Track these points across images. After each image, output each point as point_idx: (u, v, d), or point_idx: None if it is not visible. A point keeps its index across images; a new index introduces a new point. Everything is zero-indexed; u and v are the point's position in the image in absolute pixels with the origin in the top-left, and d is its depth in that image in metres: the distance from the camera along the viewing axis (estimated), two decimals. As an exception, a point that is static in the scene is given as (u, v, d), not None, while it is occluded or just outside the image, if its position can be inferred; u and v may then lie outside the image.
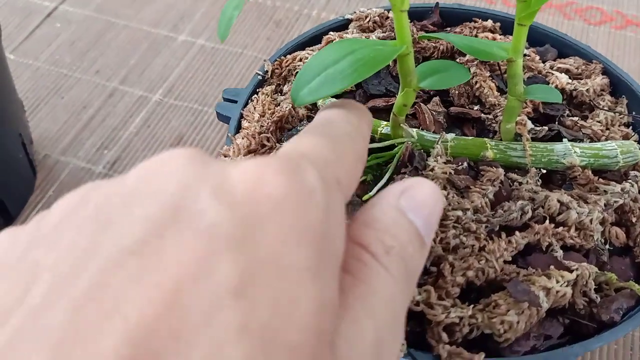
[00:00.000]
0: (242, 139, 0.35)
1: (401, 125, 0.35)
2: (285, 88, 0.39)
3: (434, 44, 0.40)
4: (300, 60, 0.39)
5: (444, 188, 0.32)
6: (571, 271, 0.29)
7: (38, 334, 0.14)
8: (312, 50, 0.41)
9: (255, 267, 0.15)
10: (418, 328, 0.29)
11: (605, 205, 0.32)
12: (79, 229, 0.16)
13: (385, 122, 0.36)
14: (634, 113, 0.38)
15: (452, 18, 0.43)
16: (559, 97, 0.33)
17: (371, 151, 0.36)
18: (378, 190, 0.33)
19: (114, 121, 0.61)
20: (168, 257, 0.14)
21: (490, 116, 0.37)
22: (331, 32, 0.41)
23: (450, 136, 0.35)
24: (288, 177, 0.17)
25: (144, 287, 0.14)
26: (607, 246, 0.32)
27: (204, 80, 0.65)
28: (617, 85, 0.39)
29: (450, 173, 0.33)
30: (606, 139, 0.36)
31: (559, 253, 0.30)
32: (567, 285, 0.29)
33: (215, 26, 0.70)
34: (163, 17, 0.72)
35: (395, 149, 0.35)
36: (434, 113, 0.37)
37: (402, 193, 0.21)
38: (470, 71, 0.32)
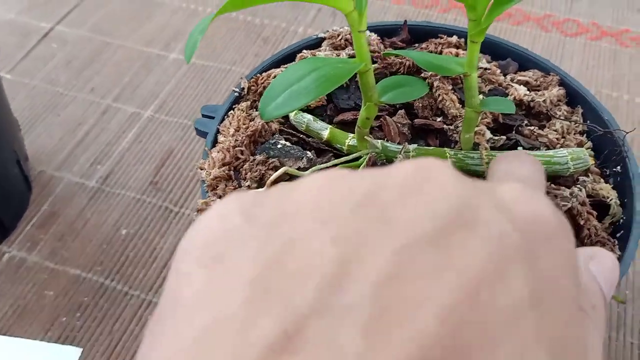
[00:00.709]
0: (218, 152, 0.37)
1: (366, 137, 0.37)
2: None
3: (400, 60, 0.42)
4: (275, 77, 0.42)
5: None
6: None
7: (341, 312, 0.14)
8: (286, 67, 0.43)
9: (541, 284, 0.16)
10: None
11: (554, 208, 0.34)
12: (356, 214, 0.16)
13: (352, 135, 0.39)
14: (588, 122, 0.40)
15: (420, 35, 0.46)
16: (512, 108, 0.36)
17: (338, 161, 0.38)
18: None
19: (107, 137, 0.64)
20: (463, 256, 0.15)
21: (452, 127, 0.40)
22: (304, 50, 0.44)
23: (412, 147, 0.37)
24: (553, 208, 0.18)
25: (447, 279, 0.15)
26: (557, 247, 0.34)
27: (194, 96, 0.68)
28: (573, 96, 0.42)
29: (411, 181, 0.35)
30: (561, 147, 0.39)
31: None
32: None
33: (205, 45, 0.73)
34: (156, 37, 0.75)
35: (360, 160, 0.37)
36: (399, 125, 0.40)
37: (591, 259, 0.23)
38: (429, 85, 0.35)
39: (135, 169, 0.61)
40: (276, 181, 0.35)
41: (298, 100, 0.31)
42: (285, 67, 0.43)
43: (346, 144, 0.38)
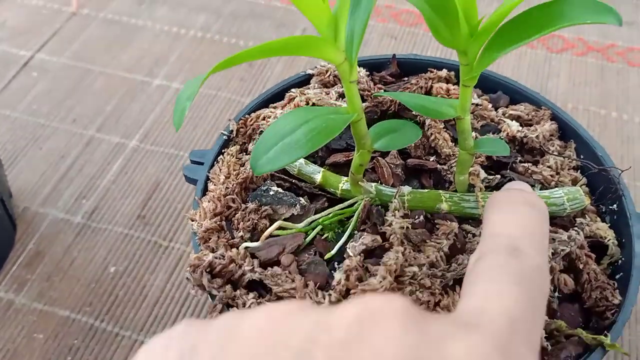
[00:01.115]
0: (209, 202, 0.36)
1: (359, 182, 0.36)
2: (250, 146, 0.41)
3: (390, 98, 0.42)
4: (264, 118, 0.41)
5: (401, 244, 0.34)
6: (521, 322, 0.31)
7: None
8: (275, 107, 0.43)
9: None
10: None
11: (553, 253, 0.33)
12: None
13: (345, 178, 0.38)
14: (582, 157, 0.40)
15: (409, 68, 0.45)
16: (506, 150, 0.35)
17: (331, 207, 0.37)
18: (339, 249, 0.35)
19: (92, 169, 0.63)
20: None
21: (446, 167, 0.39)
22: (293, 89, 0.43)
23: (406, 190, 0.37)
24: None
25: None
26: (557, 293, 0.33)
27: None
28: (565, 130, 0.41)
29: (407, 227, 0.35)
30: (556, 184, 0.38)
31: (511, 303, 0.32)
32: (517, 336, 0.30)
33: (189, 69, 0.72)
34: (138, 63, 0.73)
35: (355, 205, 0.37)
36: (392, 166, 0.39)
37: None
38: (420, 123, 0.34)
39: (121, 203, 0.60)
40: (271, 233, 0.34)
41: (290, 155, 0.30)
42: (274, 107, 0.43)
43: (340, 188, 0.38)
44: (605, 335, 0.31)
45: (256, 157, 0.31)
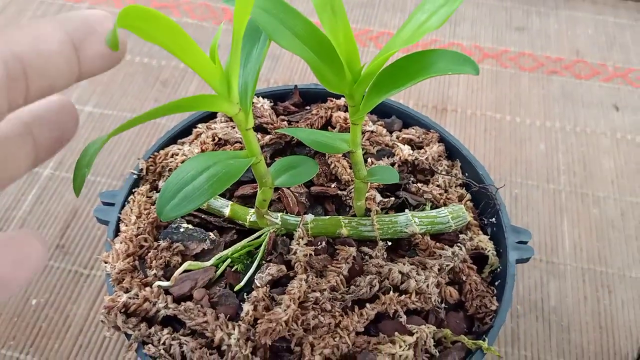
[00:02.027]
0: (121, 243, 0.38)
1: (264, 216, 0.39)
2: (161, 183, 0.43)
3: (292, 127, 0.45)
4: (172, 155, 0.43)
5: (305, 271, 0.37)
6: (412, 334, 0.35)
7: None
8: (183, 142, 0.44)
9: None
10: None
11: (439, 269, 0.38)
12: None
13: (252, 210, 0.40)
14: (466, 174, 0.45)
15: (310, 97, 0.48)
16: (396, 177, 0.39)
17: (241, 240, 0.40)
18: (248, 279, 0.37)
19: (7, 201, 0.62)
20: None
21: (346, 192, 0.42)
22: (199, 125, 0.45)
23: (309, 218, 0.40)
24: None
25: None
26: (444, 305, 0.38)
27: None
28: (451, 151, 0.46)
29: (310, 255, 0.38)
30: (444, 202, 0.43)
31: (403, 318, 0.36)
32: (409, 349, 0.34)
33: (102, 91, 0.72)
34: (48, 86, 0.72)
35: (262, 236, 0.39)
36: (297, 195, 0.42)
37: None
38: (317, 165, 0.37)
39: (39, 233, 0.60)
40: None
41: (193, 202, 0.32)
42: (182, 143, 0.45)
43: (248, 220, 0.40)
44: (484, 340, 0.35)
45: (161, 204, 0.33)
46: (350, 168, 0.43)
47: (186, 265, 0.36)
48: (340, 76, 0.34)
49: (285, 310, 0.34)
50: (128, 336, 0.35)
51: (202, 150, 0.43)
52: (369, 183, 0.41)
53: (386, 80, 0.33)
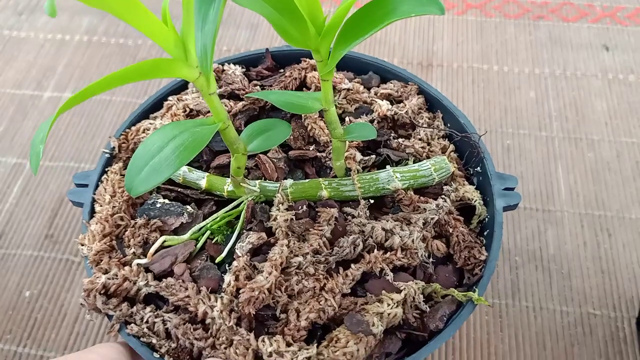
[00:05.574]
0: (96, 224, 0.37)
1: (241, 184, 0.38)
2: (135, 160, 0.41)
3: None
4: (144, 131, 0.42)
5: (286, 236, 0.36)
6: (399, 292, 0.34)
7: None
8: (155, 117, 0.43)
9: None
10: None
11: (424, 223, 0.36)
12: None
13: (229, 180, 0.39)
14: (449, 125, 0.43)
15: (283, 59, 0.46)
16: (373, 133, 0.37)
17: (219, 209, 0.39)
18: (229, 250, 0.36)
19: (-9, 195, 0.61)
20: None
21: (325, 154, 0.41)
22: (170, 97, 0.43)
23: (289, 183, 0.39)
24: None
25: None
26: (431, 259, 0.36)
27: (77, 135, 0.66)
28: (431, 102, 0.44)
29: (291, 220, 0.36)
30: (427, 155, 0.41)
31: (390, 276, 0.35)
32: (397, 306, 0.33)
33: (80, 76, 0.70)
34: (26, 77, 0.71)
35: (241, 205, 0.38)
36: (275, 160, 0.41)
37: None
38: (290, 126, 0.36)
39: (27, 225, 0.59)
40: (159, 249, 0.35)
41: (160, 173, 0.31)
42: (154, 118, 0.43)
43: (225, 190, 0.39)
44: (474, 291, 0.34)
45: (130, 179, 0.31)
46: (328, 128, 0.42)
47: (161, 240, 0.35)
48: (303, 30, 0.32)
49: (267, 277, 0.33)
50: (110, 317, 0.34)
51: (175, 124, 0.41)
52: (348, 142, 0.39)
53: (351, 29, 0.31)
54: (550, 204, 0.60)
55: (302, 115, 0.42)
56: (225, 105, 0.42)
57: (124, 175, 0.40)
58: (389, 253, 0.35)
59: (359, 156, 0.40)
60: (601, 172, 0.62)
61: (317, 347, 0.32)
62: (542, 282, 0.56)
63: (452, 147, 0.42)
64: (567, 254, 0.58)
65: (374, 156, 0.41)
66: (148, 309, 0.34)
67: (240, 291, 0.33)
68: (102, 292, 0.34)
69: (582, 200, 0.61)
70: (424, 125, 0.42)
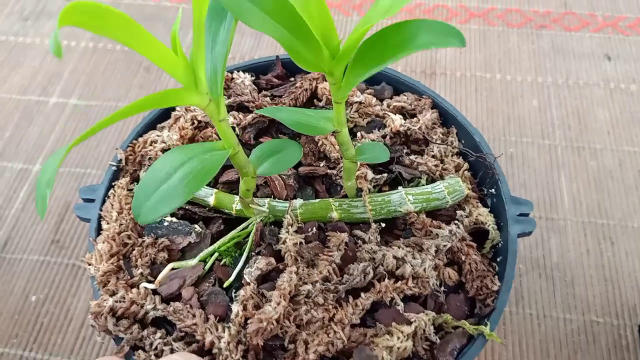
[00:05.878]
0: (103, 242, 0.34)
1: (250, 205, 0.35)
2: (141, 174, 0.38)
3: (275, 103, 0.40)
4: (151, 143, 0.39)
5: (295, 261, 0.33)
6: (410, 323, 0.31)
7: None
8: (163, 127, 0.40)
9: None
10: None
11: (436, 251, 0.34)
12: None
13: (238, 197, 0.36)
14: (463, 142, 0.40)
15: (293, 67, 0.43)
16: (386, 155, 0.34)
17: (228, 230, 0.36)
18: (238, 273, 0.34)
19: (-2, 200, 0.58)
20: None
21: (336, 171, 0.38)
22: (178, 108, 0.40)
23: (298, 203, 0.36)
24: None
25: None
26: (443, 288, 0.34)
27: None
28: (445, 117, 0.41)
29: (300, 243, 0.34)
30: (440, 173, 0.38)
31: (401, 306, 0.32)
32: (407, 339, 0.31)
33: (87, 82, 0.67)
34: (31, 82, 0.68)
35: (249, 227, 0.35)
36: (284, 177, 0.38)
37: None
38: (301, 148, 0.33)
39: (33, 230, 0.56)
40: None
41: (168, 204, 0.28)
42: (162, 127, 0.40)
43: (234, 208, 0.36)
44: (485, 325, 0.32)
45: (138, 205, 0.28)
46: (339, 148, 0.39)
47: (169, 267, 0.32)
48: (317, 53, 0.29)
49: (275, 307, 0.30)
50: (119, 340, 0.31)
51: (181, 137, 0.39)
52: (359, 162, 0.37)
53: (366, 55, 0.28)
54: (554, 212, 0.58)
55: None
56: (235, 118, 0.40)
57: (131, 190, 0.38)
58: (399, 282, 0.33)
59: (370, 175, 0.37)
60: (604, 181, 0.60)
61: (328, 380, 0.29)
62: (546, 290, 0.53)
63: (466, 165, 0.39)
64: (570, 262, 0.55)
65: (385, 175, 0.38)
66: (158, 334, 0.31)
67: (249, 321, 0.30)
68: (110, 314, 0.32)
69: (585, 208, 0.58)
70: (438, 142, 0.40)
